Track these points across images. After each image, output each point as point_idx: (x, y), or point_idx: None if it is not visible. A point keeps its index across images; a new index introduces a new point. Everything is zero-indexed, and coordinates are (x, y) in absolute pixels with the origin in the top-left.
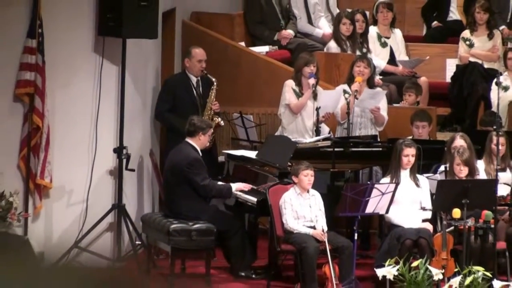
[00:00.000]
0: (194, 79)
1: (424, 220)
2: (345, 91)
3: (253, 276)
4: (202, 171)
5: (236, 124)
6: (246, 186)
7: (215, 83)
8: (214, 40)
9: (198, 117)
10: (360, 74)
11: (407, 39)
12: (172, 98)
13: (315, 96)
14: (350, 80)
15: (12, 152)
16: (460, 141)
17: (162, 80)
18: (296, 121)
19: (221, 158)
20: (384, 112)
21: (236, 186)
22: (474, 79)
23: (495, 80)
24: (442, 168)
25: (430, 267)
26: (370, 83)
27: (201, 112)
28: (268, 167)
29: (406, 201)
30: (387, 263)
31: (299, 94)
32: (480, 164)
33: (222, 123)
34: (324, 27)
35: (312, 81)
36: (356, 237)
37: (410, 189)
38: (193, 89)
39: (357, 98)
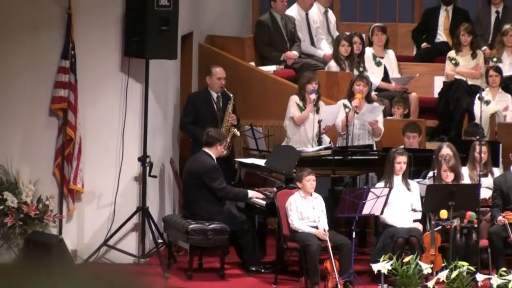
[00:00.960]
0: (214, 95)
1: (415, 221)
2: (345, 106)
3: (263, 270)
4: (219, 176)
5: (247, 135)
6: (260, 195)
7: (232, 98)
8: (227, 60)
9: (215, 129)
10: (360, 92)
11: (399, 58)
12: (194, 112)
13: (317, 110)
14: (350, 96)
15: (48, 161)
16: (446, 150)
17: (181, 96)
18: (300, 132)
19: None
20: (381, 125)
21: (252, 194)
22: (459, 95)
23: (478, 95)
24: (430, 174)
25: (420, 262)
26: (369, 99)
27: (220, 124)
28: (275, 174)
29: (398, 204)
30: (381, 258)
31: (302, 108)
32: (465, 170)
33: (238, 133)
34: (325, 48)
35: (314, 96)
36: (354, 236)
37: (402, 192)
38: (214, 104)
39: (357, 113)
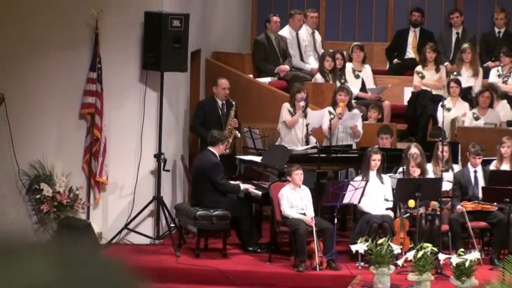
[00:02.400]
0: (220, 102)
1: (387, 209)
2: (330, 112)
3: (259, 250)
4: (220, 172)
5: (246, 136)
6: (250, 186)
7: (234, 105)
8: (229, 73)
9: (218, 131)
10: (342, 101)
11: (374, 72)
12: (203, 116)
13: (305, 115)
14: (334, 104)
15: (78, 157)
16: (414, 149)
17: (190, 103)
18: (291, 134)
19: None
20: (360, 128)
21: (243, 186)
22: (425, 103)
23: (440, 103)
24: (400, 169)
25: (391, 244)
26: (349, 106)
27: (224, 127)
28: (270, 169)
29: (373, 194)
30: (359, 241)
31: (292, 114)
32: (429, 167)
33: (239, 135)
34: (312, 63)
35: (302, 104)
36: (335, 221)
37: (376, 185)
38: (219, 110)
39: (340, 118)
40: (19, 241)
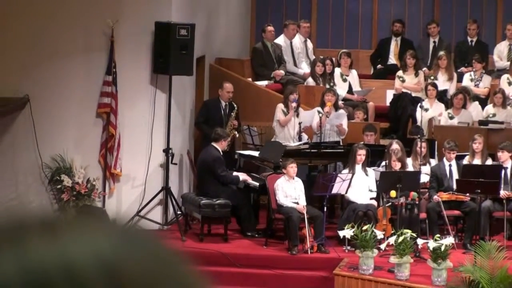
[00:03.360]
0: (223, 103)
1: (371, 198)
2: (319, 112)
3: (256, 235)
4: (222, 165)
5: (245, 133)
6: (249, 178)
7: (236, 108)
8: (230, 77)
9: (221, 128)
10: (329, 101)
11: (360, 76)
12: (207, 114)
13: (297, 114)
14: (322, 104)
15: (95, 152)
16: (395, 145)
17: (195, 103)
18: (284, 132)
19: (235, 156)
20: (345, 126)
21: (242, 177)
22: (405, 104)
23: (419, 104)
24: (383, 163)
25: (375, 230)
26: (336, 106)
27: (224, 126)
28: (267, 162)
29: (359, 186)
30: (346, 227)
31: (286, 113)
32: (409, 161)
33: (237, 135)
34: (304, 68)
35: (294, 104)
36: (325, 210)
37: (361, 177)
38: (222, 110)
39: (328, 117)
40: (61, 218)
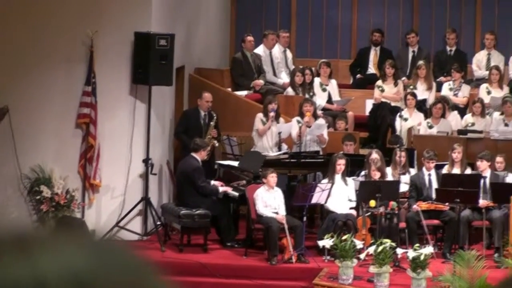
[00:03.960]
0: (202, 113)
1: (350, 208)
2: (298, 121)
3: (236, 245)
4: (201, 176)
5: (225, 143)
6: (228, 189)
7: (214, 118)
8: (210, 87)
9: (200, 138)
10: (308, 111)
11: (340, 86)
12: (186, 124)
13: (277, 123)
14: (301, 114)
15: (74, 162)
16: (375, 155)
17: (175, 114)
18: (263, 141)
19: (215, 166)
20: (326, 135)
21: (221, 189)
22: (384, 113)
23: (398, 114)
24: (363, 173)
25: (354, 240)
26: (315, 116)
27: (204, 135)
28: (246, 172)
29: (338, 195)
30: (325, 237)
31: (265, 123)
32: (388, 170)
33: (216, 144)
34: (284, 78)
35: (272, 114)
36: (305, 219)
37: (341, 187)
38: (201, 120)
39: (308, 127)
40: (43, 233)
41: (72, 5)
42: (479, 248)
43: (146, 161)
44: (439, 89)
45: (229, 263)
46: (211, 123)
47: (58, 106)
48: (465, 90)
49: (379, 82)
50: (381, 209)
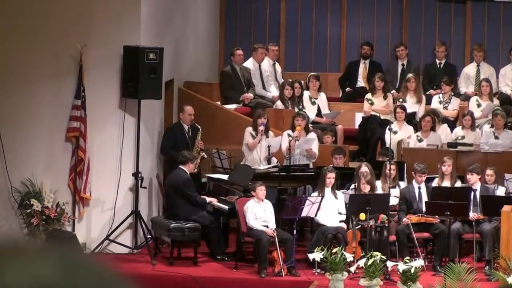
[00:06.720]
0: (186, 127)
1: (340, 221)
2: (289, 135)
3: (226, 259)
4: (192, 187)
5: (214, 157)
6: (214, 200)
7: (199, 130)
8: (199, 100)
9: (188, 151)
10: (299, 125)
11: (329, 99)
12: (172, 139)
13: (267, 137)
14: (292, 128)
15: (64, 176)
16: (364, 168)
17: (164, 127)
18: (253, 155)
19: (204, 180)
20: (315, 149)
21: (209, 200)
22: (374, 126)
23: (388, 127)
24: (352, 186)
25: (344, 253)
26: (307, 130)
27: (191, 149)
28: (236, 185)
29: (328, 208)
30: (315, 250)
31: (254, 137)
32: (378, 183)
33: (205, 156)
34: (273, 91)
35: (262, 128)
36: (295, 232)
37: (331, 200)
38: (186, 133)
39: (297, 141)
40: (16, 244)
41: (61, 19)
42: (469, 261)
43: (136, 174)
44: (428, 102)
45: (219, 276)
46: (198, 135)
47: (47, 120)
48: (455, 103)
49: (368, 95)
50: (371, 222)
